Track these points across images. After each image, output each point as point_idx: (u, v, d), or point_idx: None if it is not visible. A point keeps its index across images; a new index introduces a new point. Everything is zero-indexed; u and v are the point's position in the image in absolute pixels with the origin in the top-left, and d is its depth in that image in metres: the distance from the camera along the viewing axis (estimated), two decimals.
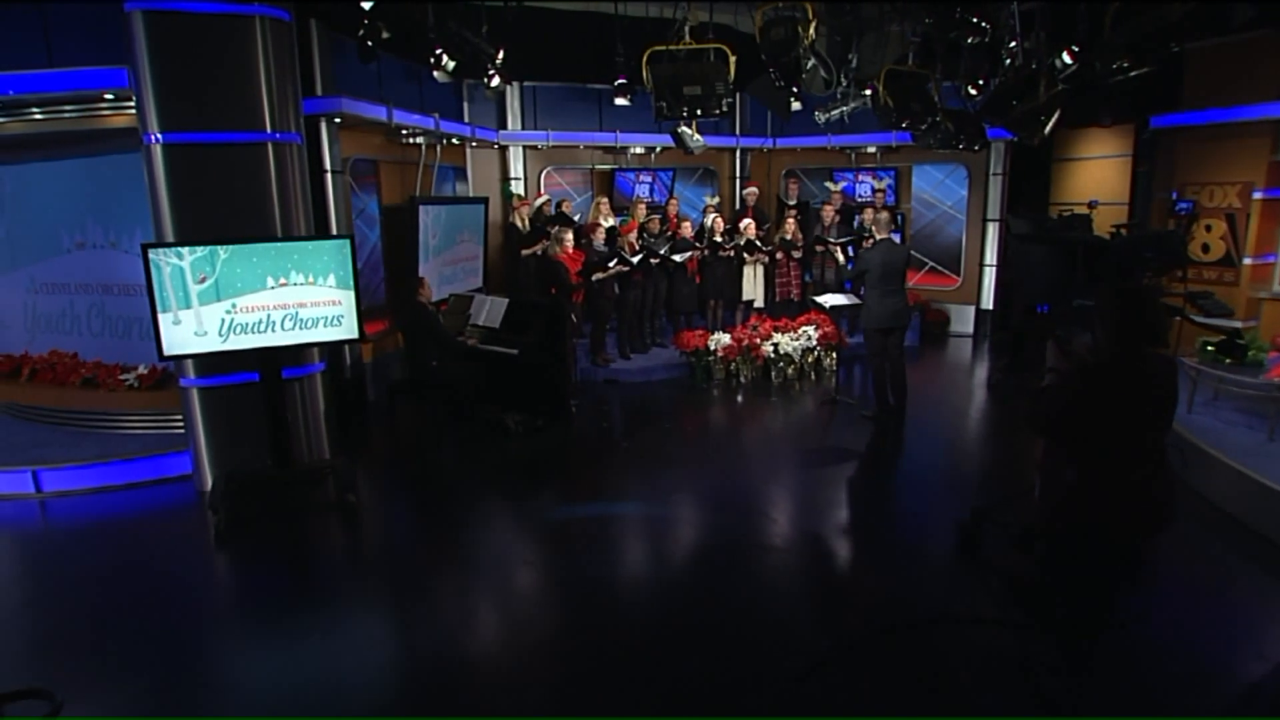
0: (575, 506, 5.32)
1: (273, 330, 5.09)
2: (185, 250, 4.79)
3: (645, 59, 5.33)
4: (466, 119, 9.54)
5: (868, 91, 6.75)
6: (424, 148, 8.42)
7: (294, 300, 5.10)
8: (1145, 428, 2.60)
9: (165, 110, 5.00)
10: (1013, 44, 5.70)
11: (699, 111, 5.27)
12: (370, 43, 6.98)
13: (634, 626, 3.76)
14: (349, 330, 5.30)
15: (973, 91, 6.93)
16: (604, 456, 6.14)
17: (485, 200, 9.34)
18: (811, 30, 5.04)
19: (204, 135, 5.08)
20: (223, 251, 4.86)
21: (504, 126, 9.99)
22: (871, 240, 9.44)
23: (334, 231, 6.95)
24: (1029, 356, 3.84)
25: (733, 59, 5.09)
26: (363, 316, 7.61)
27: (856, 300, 7.30)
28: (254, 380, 5.24)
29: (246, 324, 5.01)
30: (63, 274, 6.43)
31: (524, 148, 10.15)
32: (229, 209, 5.22)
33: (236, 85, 5.13)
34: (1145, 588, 3.71)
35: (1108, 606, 2.96)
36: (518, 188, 10.12)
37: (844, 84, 6.46)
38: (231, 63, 5.10)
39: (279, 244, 5.04)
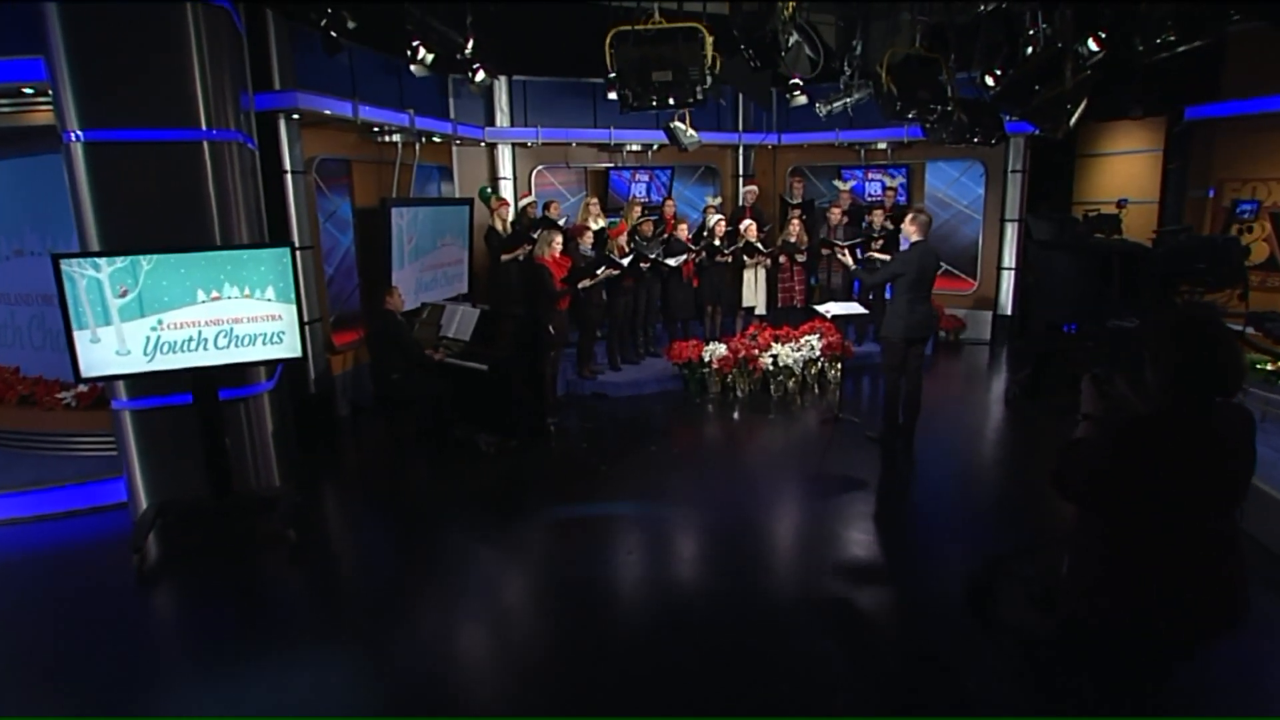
0: (533, 545, 4.79)
1: (205, 348, 4.59)
2: (103, 261, 4.30)
3: (608, 40, 4.76)
4: (452, 115, 9.04)
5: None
6: (400, 146, 7.91)
7: (228, 315, 4.60)
8: (1211, 502, 2.02)
9: (86, 106, 4.51)
10: (1033, 30, 5.11)
11: (671, 100, 4.70)
12: (334, 33, 6.52)
13: (603, 692, 3.22)
14: (291, 348, 4.79)
15: (989, 81, 6.32)
16: (578, 483, 5.60)
17: (470, 201, 8.82)
18: (791, 1, 4.44)
19: (130, 133, 4.58)
20: (145, 262, 4.37)
21: (492, 123, 9.47)
22: (880, 240, 8.97)
23: (296, 237, 6.48)
24: (1051, 382, 3.27)
25: (709, 39, 4.51)
26: (331, 326, 7.32)
27: (862, 310, 6.71)
28: (191, 402, 4.75)
29: (175, 342, 4.52)
30: (1, 284, 5.99)
31: (513, 145, 9.63)
32: (161, 215, 4.73)
33: (166, 78, 4.63)
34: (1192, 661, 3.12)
35: (1147, 688, 2.39)
36: (506, 188, 9.60)
37: (847, 73, 5.85)
38: (160, 53, 4.60)
39: (210, 254, 4.54)
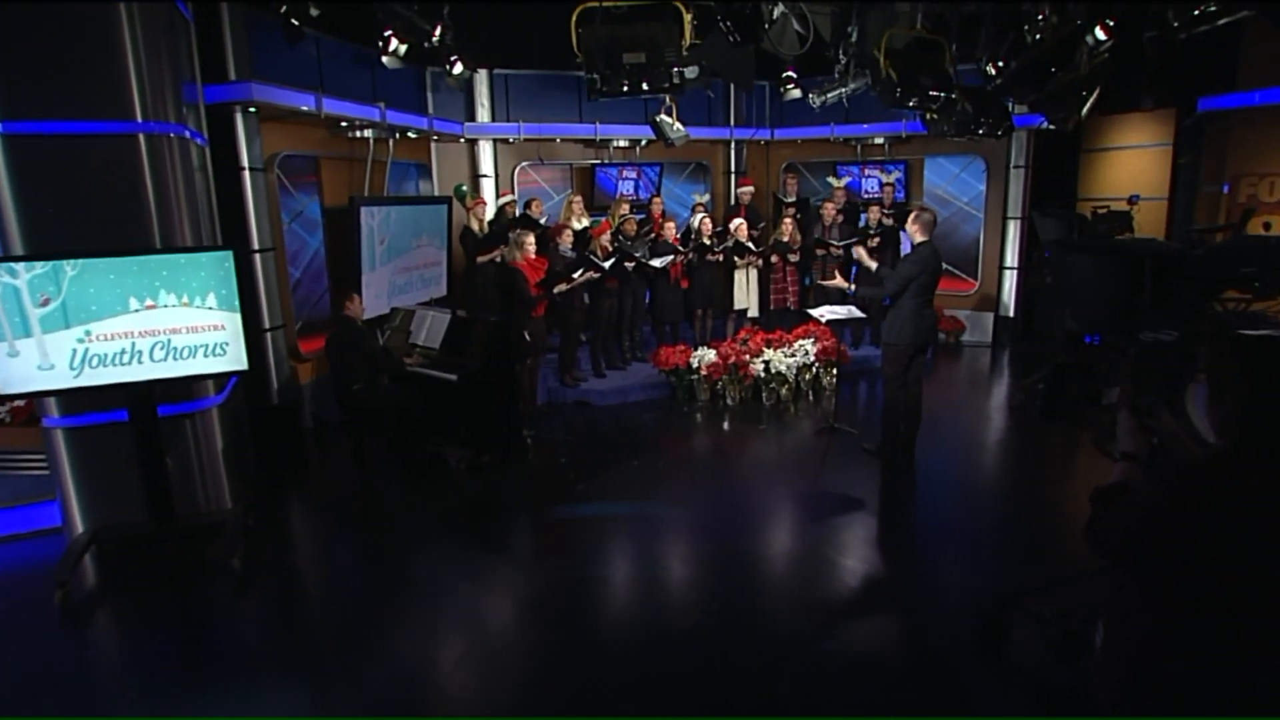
0: (500, 575, 4.39)
1: (140, 362, 4.19)
2: (20, 266, 3.90)
3: (574, 19, 4.35)
4: (430, 111, 8.63)
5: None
6: (373, 142, 7.50)
7: (165, 325, 4.20)
8: None
9: (4, 94, 4.11)
10: (1040, 18, 4.72)
11: (644, 85, 4.28)
12: (296, 21, 6.11)
13: None
14: (236, 360, 4.39)
15: (992, 71, 5.94)
16: (552, 505, 5.21)
17: (448, 200, 8.42)
18: None
19: (54, 125, 4.18)
20: (70, 267, 3.97)
21: (472, 118, 9.06)
22: (879, 239, 8.57)
23: (255, 239, 6.09)
24: (1071, 401, 2.91)
25: (687, 17, 4.09)
26: (298, 332, 6.90)
27: (859, 314, 6.33)
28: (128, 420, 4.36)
29: (106, 355, 4.12)
30: None
31: (494, 141, 9.22)
32: (93, 216, 4.32)
33: (95, 65, 4.22)
34: None
35: None
36: (487, 186, 9.20)
37: (842, 61, 5.45)
38: (88, 39, 4.20)
39: (142, 258, 4.14)
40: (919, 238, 5.44)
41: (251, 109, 5.80)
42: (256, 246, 6.09)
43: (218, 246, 4.37)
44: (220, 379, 4.87)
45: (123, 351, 4.15)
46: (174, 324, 4.21)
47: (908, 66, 4.84)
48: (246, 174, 5.97)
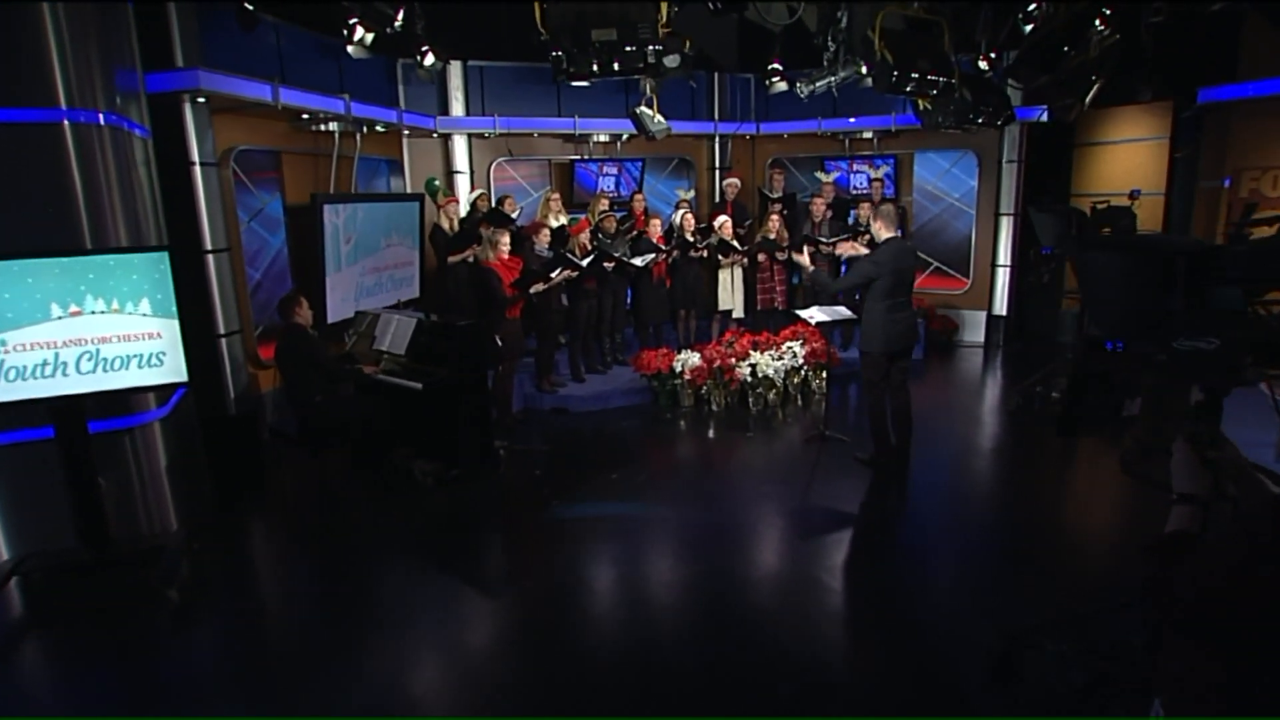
0: (464, 604, 4.05)
1: (65, 374, 3.81)
2: None
3: None
4: (401, 104, 8.25)
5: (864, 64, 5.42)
6: (338, 136, 7.11)
7: (93, 334, 3.82)
8: None
9: None
10: (1035, 6, 4.42)
11: (615, 66, 3.93)
12: (249, 6, 5.74)
13: None
14: (174, 371, 4.01)
15: (984, 65, 5.65)
16: (524, 524, 4.87)
17: (420, 197, 8.03)
18: None
19: None
20: None
21: (445, 112, 8.68)
22: (867, 235, 8.23)
23: (208, 239, 5.69)
24: (1093, 415, 2.62)
25: None
26: (258, 338, 6.49)
27: (851, 315, 6.02)
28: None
29: (25, 367, 3.73)
30: None
31: (469, 136, 8.85)
32: (9, 214, 3.93)
33: (10, 47, 3.83)
34: None
35: None
36: (462, 183, 8.83)
37: (831, 48, 5.13)
38: (1, 18, 3.81)
39: (64, 260, 3.75)
40: (884, 234, 5.11)
41: (201, 99, 5.40)
42: (209, 247, 5.70)
43: (153, 246, 3.98)
44: (166, 390, 4.48)
45: (44, 363, 3.76)
46: (103, 332, 3.83)
47: (904, 49, 4.51)
48: (197, 169, 5.57)
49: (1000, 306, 9.41)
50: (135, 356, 3.91)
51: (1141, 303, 2.80)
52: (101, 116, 4.10)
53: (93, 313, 3.79)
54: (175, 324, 3.96)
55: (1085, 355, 2.66)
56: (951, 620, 3.66)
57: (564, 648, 3.52)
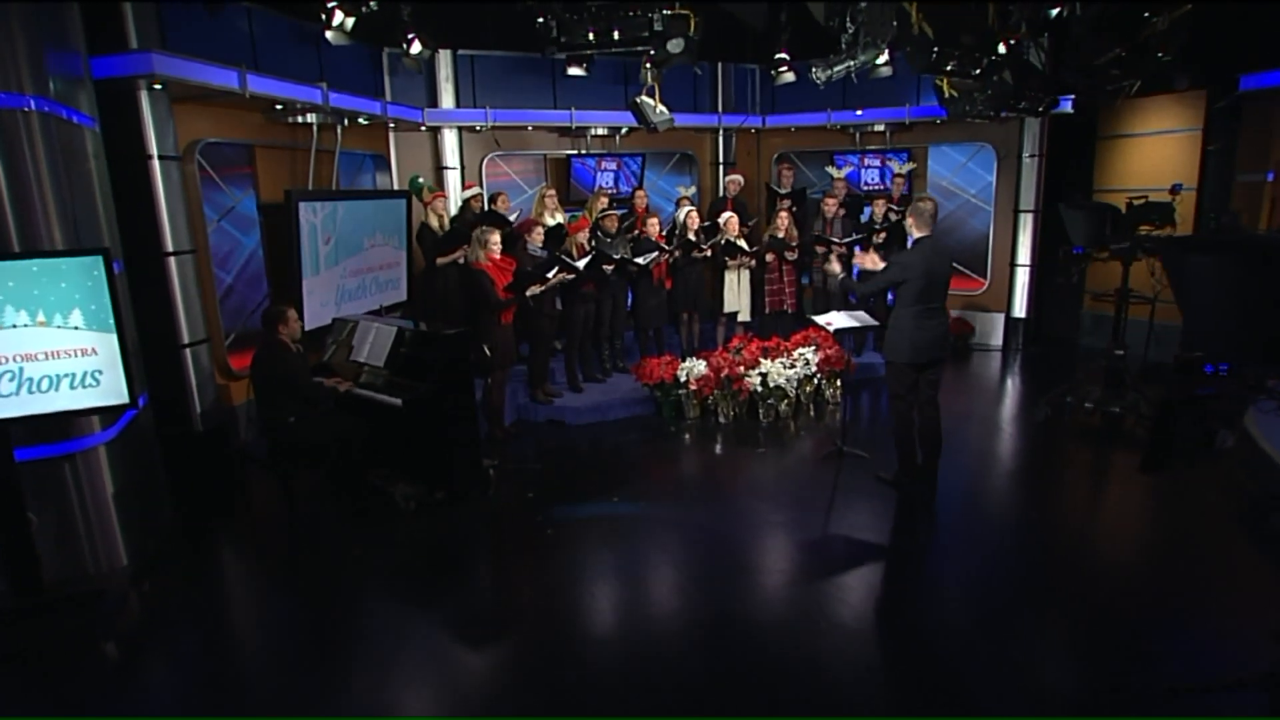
0: (445, 650, 3.56)
1: None
2: None
3: None
4: (387, 95, 7.75)
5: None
6: (316, 129, 6.61)
7: (14, 351, 3.33)
8: None
9: None
10: None
11: (616, 34, 3.45)
12: None
13: None
14: (113, 392, 3.53)
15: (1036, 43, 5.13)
16: (513, 555, 4.39)
17: (407, 195, 7.54)
18: None
19: None
20: None
21: (434, 104, 8.18)
22: (883, 234, 7.77)
23: (169, 240, 5.20)
24: (1187, 449, 2.16)
25: None
26: (229, 347, 5.99)
27: (870, 320, 5.54)
28: None
29: None
30: None
31: (459, 130, 8.35)
32: None
33: None
34: None
35: None
36: (451, 179, 8.33)
37: (850, 29, 4.64)
38: None
39: None
40: (917, 233, 4.64)
41: (157, 85, 4.90)
42: (171, 248, 5.20)
43: (86, 250, 3.50)
44: (108, 415, 3.99)
45: None
46: (26, 348, 3.34)
47: (945, 21, 4.01)
48: (156, 163, 5.07)
49: (1019, 308, 8.94)
50: (66, 376, 3.43)
51: (1246, 312, 2.31)
52: (32, 102, 3.62)
53: (14, 326, 3.31)
54: (113, 338, 3.48)
55: (1181, 379, 2.22)
56: (1005, 672, 3.18)
57: (560, 698, 3.04)
